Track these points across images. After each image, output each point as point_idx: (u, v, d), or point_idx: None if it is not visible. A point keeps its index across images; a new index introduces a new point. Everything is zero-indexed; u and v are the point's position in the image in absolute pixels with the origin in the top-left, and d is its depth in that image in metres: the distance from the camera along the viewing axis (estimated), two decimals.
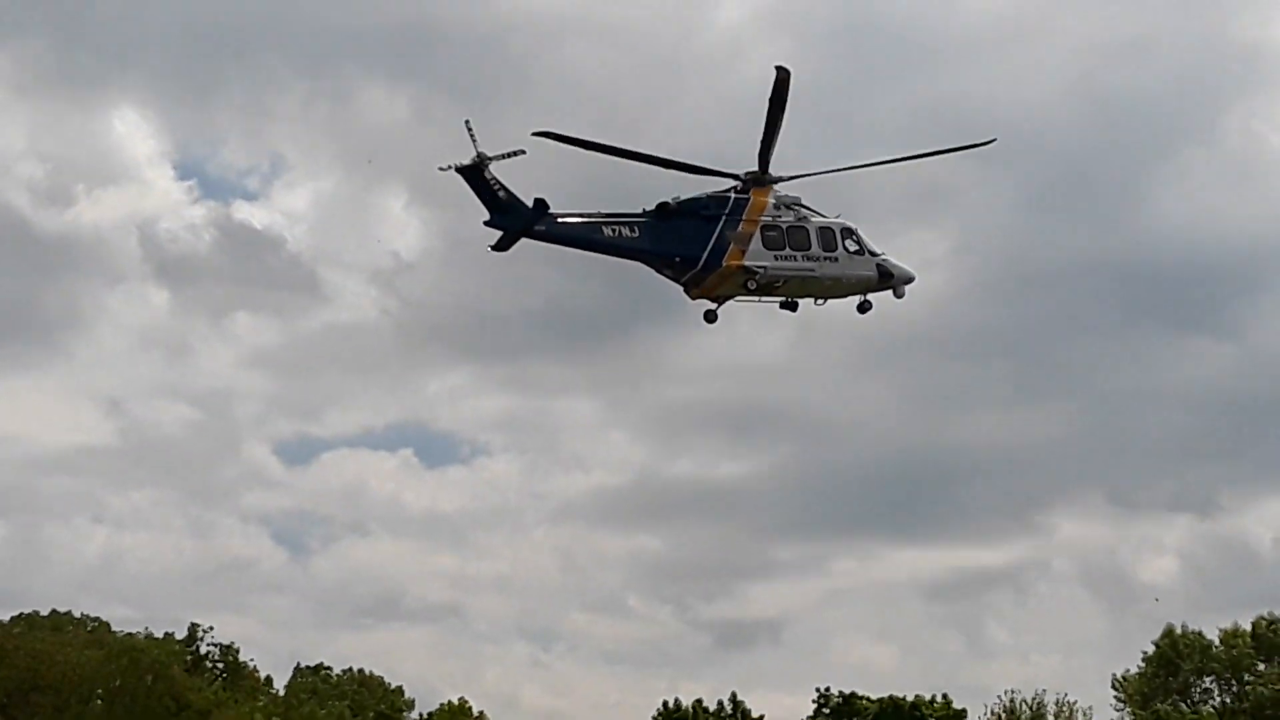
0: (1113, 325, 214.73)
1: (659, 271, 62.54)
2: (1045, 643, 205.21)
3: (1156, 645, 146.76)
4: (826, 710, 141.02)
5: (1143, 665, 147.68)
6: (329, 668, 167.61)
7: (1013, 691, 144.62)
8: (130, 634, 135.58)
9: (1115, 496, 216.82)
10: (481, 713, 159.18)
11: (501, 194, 57.95)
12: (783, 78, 57.83)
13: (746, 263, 61.49)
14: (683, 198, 61.71)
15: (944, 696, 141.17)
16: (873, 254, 64.04)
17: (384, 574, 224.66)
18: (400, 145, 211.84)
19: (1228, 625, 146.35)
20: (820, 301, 64.47)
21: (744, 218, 61.85)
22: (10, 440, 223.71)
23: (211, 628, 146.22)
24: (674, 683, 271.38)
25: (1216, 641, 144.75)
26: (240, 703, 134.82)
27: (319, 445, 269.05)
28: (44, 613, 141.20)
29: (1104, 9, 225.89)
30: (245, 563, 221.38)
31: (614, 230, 60.66)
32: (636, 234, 60.93)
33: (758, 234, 61.81)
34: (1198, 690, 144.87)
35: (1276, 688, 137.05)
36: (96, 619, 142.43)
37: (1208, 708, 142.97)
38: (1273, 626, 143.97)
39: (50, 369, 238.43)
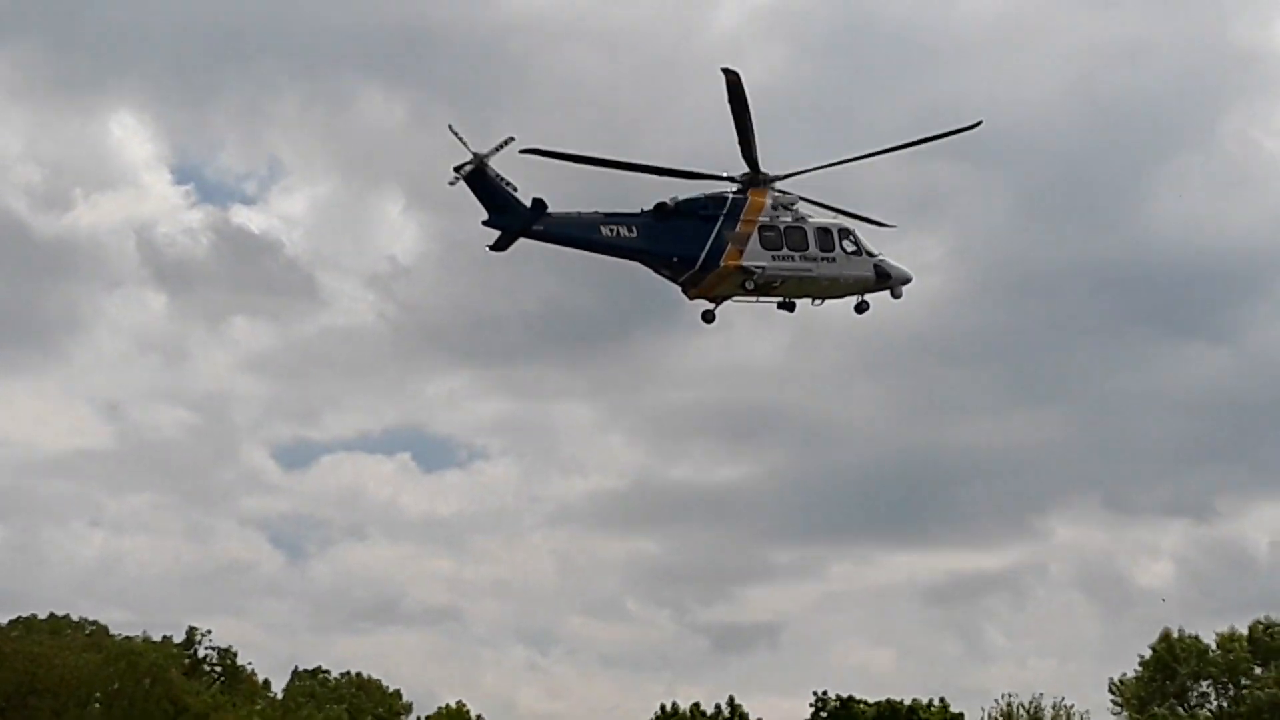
0: (1110, 329, 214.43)
1: (657, 271, 62.75)
2: (1042, 646, 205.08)
3: (1153, 649, 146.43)
4: (824, 714, 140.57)
5: (1140, 669, 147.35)
6: (327, 671, 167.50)
7: (1010, 695, 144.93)
8: (128, 637, 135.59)
9: (1112, 500, 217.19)
10: (479, 716, 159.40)
11: (509, 190, 58.23)
12: (732, 80, 58.00)
13: (744, 263, 61.79)
14: (681, 198, 61.97)
15: (941, 700, 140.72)
16: (870, 254, 64.40)
17: (382, 577, 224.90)
18: (397, 149, 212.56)
19: (1224, 629, 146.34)
20: (818, 302, 64.82)
21: (742, 218, 62.15)
22: (8, 444, 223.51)
23: (209, 631, 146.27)
24: (672, 686, 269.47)
25: (1213, 645, 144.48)
26: (238, 706, 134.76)
27: (317, 449, 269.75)
28: (42, 616, 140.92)
29: (1102, 12, 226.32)
30: (243, 566, 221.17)
31: (612, 230, 60.92)
32: (634, 234, 61.20)
33: (755, 234, 62.12)
34: (1194, 694, 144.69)
35: (1273, 691, 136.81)
36: (94, 622, 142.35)
37: (1205, 712, 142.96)
38: (1269, 630, 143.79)
39: (48, 372, 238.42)
